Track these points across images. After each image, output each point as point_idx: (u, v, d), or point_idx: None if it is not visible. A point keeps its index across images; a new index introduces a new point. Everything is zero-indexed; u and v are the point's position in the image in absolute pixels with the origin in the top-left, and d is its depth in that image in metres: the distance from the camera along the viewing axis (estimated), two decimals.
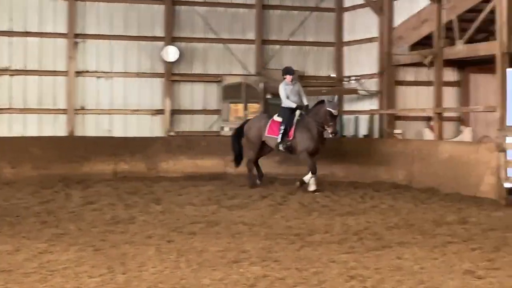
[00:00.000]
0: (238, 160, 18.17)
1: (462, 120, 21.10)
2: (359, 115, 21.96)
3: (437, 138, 19.04)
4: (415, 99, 21.30)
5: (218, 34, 22.53)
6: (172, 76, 22.17)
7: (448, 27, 18.77)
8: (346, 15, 23.06)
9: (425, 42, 19.77)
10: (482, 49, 17.90)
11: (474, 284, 7.70)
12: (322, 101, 17.04)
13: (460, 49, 18.51)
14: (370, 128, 21.41)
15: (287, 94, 17.11)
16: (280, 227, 11.62)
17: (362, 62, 22.28)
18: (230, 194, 16.13)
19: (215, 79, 22.39)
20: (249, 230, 11.31)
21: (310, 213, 13.35)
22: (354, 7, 22.60)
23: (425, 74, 20.76)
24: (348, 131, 22.15)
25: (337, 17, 23.20)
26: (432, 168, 17.47)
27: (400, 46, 20.50)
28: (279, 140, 16.96)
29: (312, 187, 16.58)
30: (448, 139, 19.35)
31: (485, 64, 18.56)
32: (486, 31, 18.74)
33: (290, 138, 16.91)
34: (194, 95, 22.53)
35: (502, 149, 15.59)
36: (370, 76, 21.77)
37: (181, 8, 22.38)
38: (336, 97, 17.01)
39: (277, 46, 23.02)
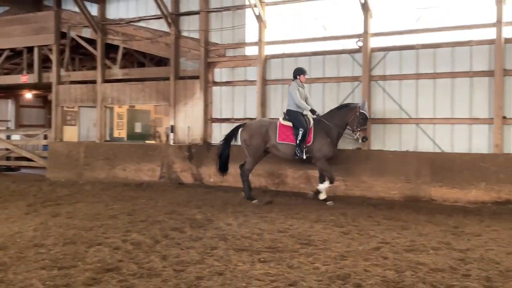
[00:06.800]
0: (225, 169, 11.69)
1: None
2: None
3: None
4: None
5: None
6: None
7: None
8: None
9: None
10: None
11: None
12: (346, 105, 11.11)
13: None
14: None
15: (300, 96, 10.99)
16: None
17: None
18: None
19: None
20: None
21: None
22: None
23: None
24: None
25: None
26: None
27: None
28: (297, 146, 10.95)
29: (323, 196, 10.91)
30: None
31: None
32: None
33: (308, 144, 10.91)
34: None
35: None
36: None
37: None
38: (365, 100, 11.43)
39: None
